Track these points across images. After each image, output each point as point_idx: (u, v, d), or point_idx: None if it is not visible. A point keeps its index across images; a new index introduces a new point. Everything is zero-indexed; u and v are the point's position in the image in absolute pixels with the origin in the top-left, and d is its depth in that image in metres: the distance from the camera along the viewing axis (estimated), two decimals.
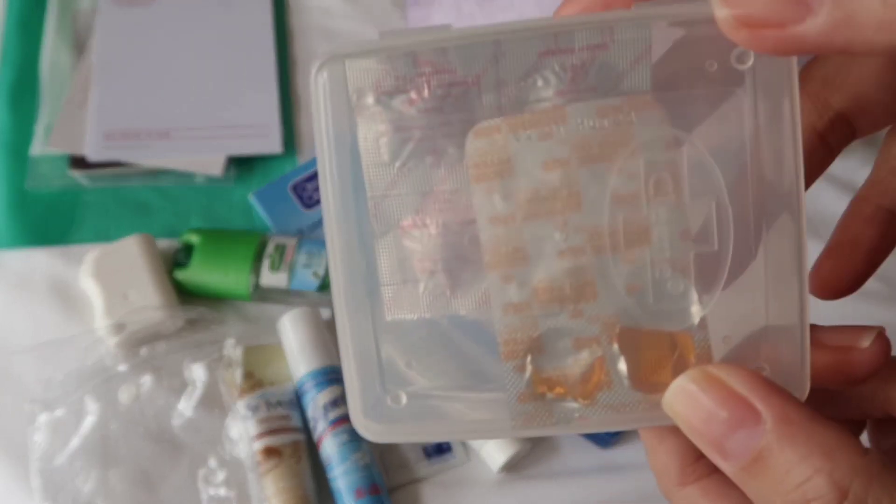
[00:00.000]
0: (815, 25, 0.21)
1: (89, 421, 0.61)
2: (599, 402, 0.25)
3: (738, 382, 0.23)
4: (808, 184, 0.31)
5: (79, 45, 0.79)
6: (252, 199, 0.73)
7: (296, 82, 0.82)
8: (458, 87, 0.24)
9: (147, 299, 0.65)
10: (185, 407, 0.63)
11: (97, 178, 0.73)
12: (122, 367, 0.64)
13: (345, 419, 0.61)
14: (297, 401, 0.64)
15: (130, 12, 0.80)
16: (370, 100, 0.24)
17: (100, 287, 0.65)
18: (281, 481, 0.60)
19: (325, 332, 0.65)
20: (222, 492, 0.60)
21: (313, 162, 0.75)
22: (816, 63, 0.30)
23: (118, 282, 0.65)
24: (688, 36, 0.24)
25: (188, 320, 0.67)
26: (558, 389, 0.25)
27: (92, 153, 0.73)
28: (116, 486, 0.60)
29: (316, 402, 0.62)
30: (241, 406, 0.62)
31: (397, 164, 0.25)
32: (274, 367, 0.65)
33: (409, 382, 0.27)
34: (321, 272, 0.67)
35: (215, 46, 0.80)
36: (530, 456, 0.64)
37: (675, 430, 0.25)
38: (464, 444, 0.65)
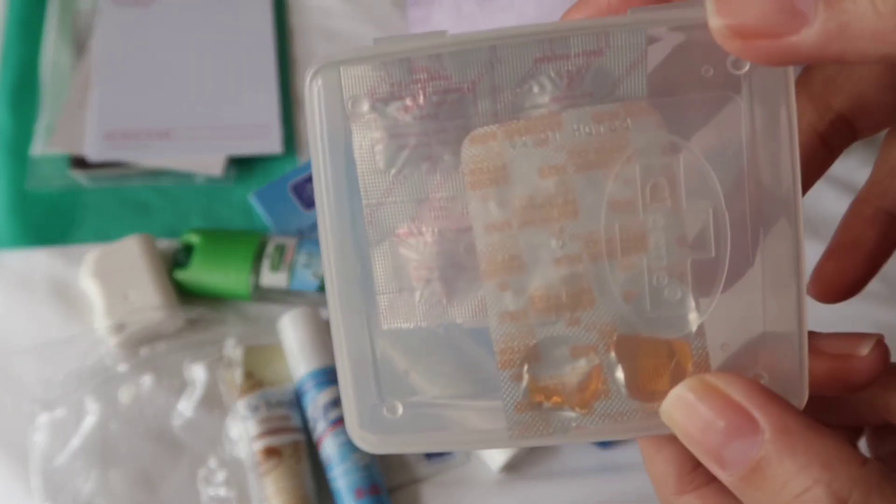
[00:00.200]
0: (809, 36, 0.21)
1: (89, 421, 0.62)
2: (597, 411, 0.25)
3: (735, 391, 0.23)
4: (808, 185, 0.31)
5: (79, 46, 0.79)
6: (252, 199, 0.73)
7: (296, 82, 0.82)
8: (453, 93, 0.24)
9: (147, 299, 0.65)
10: (186, 407, 0.63)
11: (97, 178, 0.73)
12: (122, 367, 0.64)
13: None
14: (297, 401, 0.64)
15: (130, 12, 0.80)
16: (365, 107, 0.24)
17: (100, 287, 0.65)
18: (281, 481, 0.60)
19: (325, 333, 0.65)
20: (222, 492, 0.60)
21: None
22: (817, 65, 0.30)
23: (118, 282, 0.65)
24: (684, 41, 0.24)
25: (188, 320, 0.67)
26: (555, 398, 0.24)
27: (92, 153, 0.73)
28: (116, 486, 0.60)
29: (316, 403, 0.62)
30: (241, 406, 0.62)
31: (393, 171, 0.25)
32: (274, 368, 0.65)
33: (406, 390, 0.26)
34: (321, 272, 0.67)
35: (215, 46, 0.80)
36: (530, 456, 0.64)
37: (673, 439, 0.25)
38: None
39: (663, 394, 0.24)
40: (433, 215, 0.25)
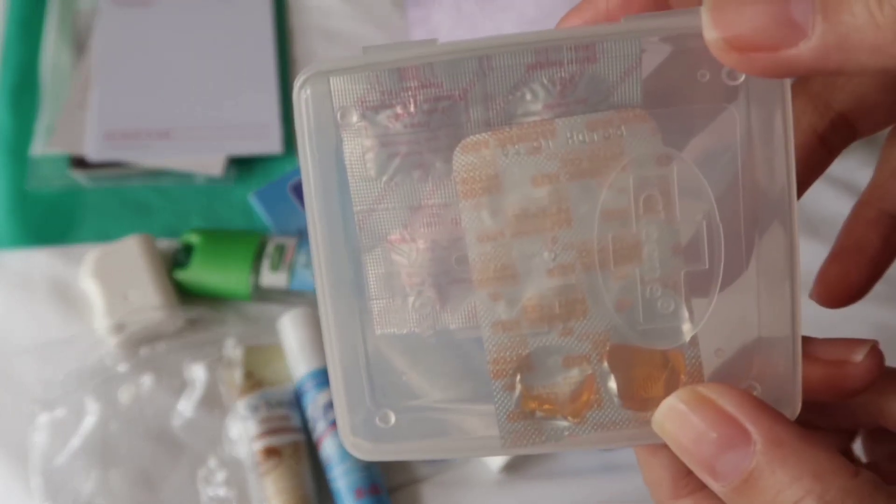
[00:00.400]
0: (807, 49, 0.20)
1: (89, 421, 0.62)
2: (589, 420, 0.25)
3: (728, 403, 0.23)
4: (807, 185, 0.31)
5: (79, 46, 0.79)
6: (252, 199, 0.73)
7: None
8: (444, 101, 0.24)
9: (147, 299, 0.65)
10: (185, 407, 0.63)
11: (97, 178, 0.73)
12: (122, 368, 0.64)
13: None
14: (296, 401, 0.64)
15: (130, 12, 0.80)
16: (355, 116, 0.24)
17: (100, 287, 0.65)
18: (281, 481, 0.60)
19: None
20: (222, 492, 0.60)
21: None
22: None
23: (118, 282, 0.66)
24: (679, 49, 0.24)
25: (188, 320, 0.67)
26: (548, 407, 0.24)
27: (92, 153, 0.73)
28: (116, 486, 0.60)
29: (316, 403, 0.62)
30: (241, 406, 0.62)
31: (384, 178, 0.25)
32: (274, 368, 0.65)
33: (400, 394, 0.26)
34: None
35: (215, 46, 0.80)
36: (530, 456, 0.64)
37: (667, 445, 0.25)
38: None
39: (656, 403, 0.24)
40: (425, 222, 0.25)
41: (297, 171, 0.74)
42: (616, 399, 0.24)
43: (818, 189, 0.32)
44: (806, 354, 0.26)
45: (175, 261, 0.69)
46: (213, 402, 0.64)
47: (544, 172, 0.24)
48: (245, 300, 0.69)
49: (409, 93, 0.24)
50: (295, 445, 0.61)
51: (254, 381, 0.64)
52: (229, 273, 0.67)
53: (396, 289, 0.26)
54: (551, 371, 0.24)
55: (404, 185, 0.25)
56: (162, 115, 0.76)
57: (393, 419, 0.26)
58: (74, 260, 0.68)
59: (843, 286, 0.33)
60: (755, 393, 0.25)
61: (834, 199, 0.74)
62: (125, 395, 0.63)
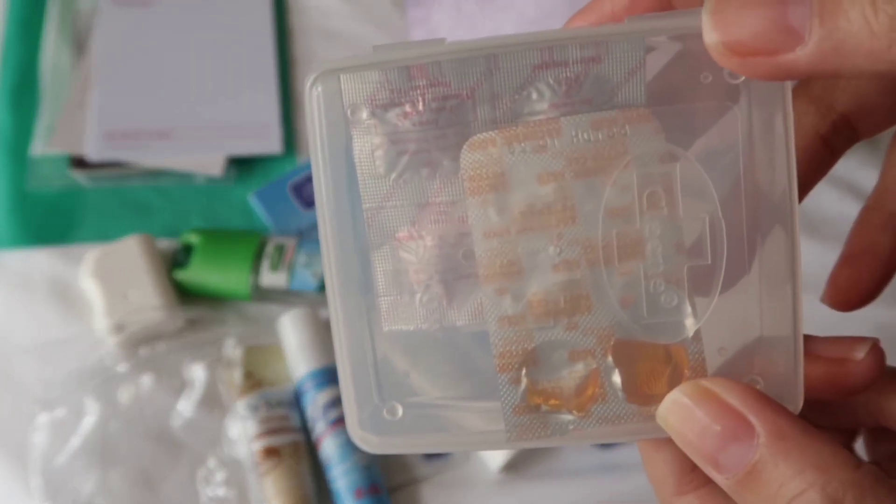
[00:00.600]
0: (805, 54, 0.21)
1: (89, 421, 0.62)
2: (594, 414, 0.25)
3: (731, 396, 0.23)
4: (809, 186, 0.31)
5: (79, 46, 0.79)
6: (252, 199, 0.73)
7: (296, 82, 0.82)
8: (452, 99, 0.24)
9: (147, 299, 0.65)
10: (185, 407, 0.63)
11: (97, 178, 0.73)
12: (121, 368, 0.64)
13: (344, 420, 0.61)
14: (296, 401, 0.64)
15: (130, 12, 0.80)
16: (364, 113, 0.25)
17: (100, 287, 0.65)
18: (280, 482, 0.60)
19: (325, 333, 0.65)
20: (222, 492, 0.60)
21: None
22: None
23: (118, 282, 0.65)
24: (682, 49, 0.24)
25: (188, 320, 0.67)
26: (553, 401, 0.25)
27: (92, 153, 0.73)
28: (116, 486, 0.60)
29: (315, 403, 0.62)
30: (240, 406, 0.62)
31: (392, 176, 0.25)
32: (273, 368, 0.65)
33: (407, 391, 0.26)
34: (321, 272, 0.67)
35: (215, 46, 0.80)
36: (530, 456, 0.65)
37: (671, 440, 0.25)
38: None
39: (660, 398, 0.24)
40: (433, 219, 0.25)
41: (297, 171, 0.74)
42: (620, 394, 0.25)
43: (819, 189, 0.33)
44: (807, 352, 0.26)
45: (175, 261, 0.69)
46: (212, 402, 0.64)
47: (550, 170, 0.24)
48: (245, 300, 0.69)
49: (418, 91, 0.24)
50: (294, 445, 0.61)
51: (253, 381, 0.64)
52: (229, 273, 0.67)
53: (404, 285, 0.26)
54: (556, 365, 0.25)
55: (412, 182, 0.25)
56: (162, 115, 0.76)
57: (401, 411, 0.26)
58: (74, 260, 0.68)
59: (854, 290, 0.34)
60: (758, 387, 0.25)
61: (835, 199, 0.75)
62: (125, 395, 0.63)
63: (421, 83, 0.24)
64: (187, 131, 0.75)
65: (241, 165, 0.76)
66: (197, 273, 0.67)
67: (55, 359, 0.64)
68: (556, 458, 0.65)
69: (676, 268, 0.24)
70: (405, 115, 0.24)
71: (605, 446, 0.65)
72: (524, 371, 0.25)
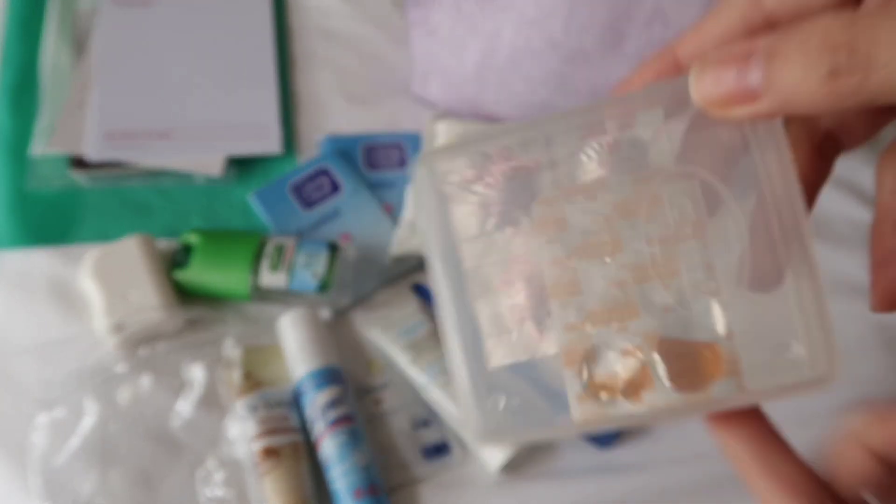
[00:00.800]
0: (763, 105, 0.26)
1: (89, 421, 0.62)
2: (645, 400, 0.29)
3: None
4: (813, 194, 0.35)
5: (79, 46, 0.79)
6: (252, 200, 0.73)
7: (295, 82, 0.82)
8: (522, 170, 0.31)
9: (147, 299, 0.65)
10: (184, 407, 0.63)
11: (97, 178, 0.73)
12: (121, 368, 0.64)
13: (343, 420, 0.61)
14: (295, 401, 0.64)
15: (130, 12, 0.80)
16: (457, 187, 0.32)
17: (100, 287, 0.65)
18: (280, 482, 0.60)
19: (324, 333, 0.66)
20: (221, 492, 0.60)
21: (313, 162, 0.75)
22: None
23: (118, 282, 0.66)
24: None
25: (188, 320, 0.67)
26: (610, 391, 0.29)
27: (92, 153, 0.73)
28: (116, 486, 0.60)
29: (314, 403, 0.62)
30: (239, 406, 0.62)
31: (483, 236, 0.32)
32: (273, 368, 0.65)
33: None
34: (320, 272, 0.67)
35: (215, 46, 0.80)
36: (530, 456, 0.65)
37: (741, 416, 0.28)
38: (462, 445, 0.65)
39: (701, 385, 0.28)
40: (519, 269, 0.31)
41: (297, 172, 0.74)
42: (667, 383, 0.29)
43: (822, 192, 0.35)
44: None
45: (175, 261, 0.69)
46: (212, 403, 0.64)
47: (600, 214, 0.30)
48: (244, 300, 0.69)
49: (497, 167, 0.31)
50: (294, 446, 0.61)
51: (253, 381, 0.64)
52: (229, 273, 0.67)
53: (502, 326, 0.31)
54: (611, 361, 0.29)
55: (500, 240, 0.31)
56: (162, 115, 0.76)
57: (502, 404, 0.31)
58: (74, 260, 0.68)
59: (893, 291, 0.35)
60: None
61: (837, 199, 0.75)
62: (124, 395, 0.63)
63: (498, 161, 0.31)
64: (187, 131, 0.75)
65: (241, 165, 0.76)
66: (197, 273, 0.67)
67: (55, 359, 0.64)
68: (556, 458, 0.65)
69: (709, 281, 0.29)
70: (487, 185, 0.31)
71: (606, 445, 0.65)
72: (585, 366, 0.30)
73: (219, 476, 0.61)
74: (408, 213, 0.74)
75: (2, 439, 0.62)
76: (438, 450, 0.64)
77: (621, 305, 0.29)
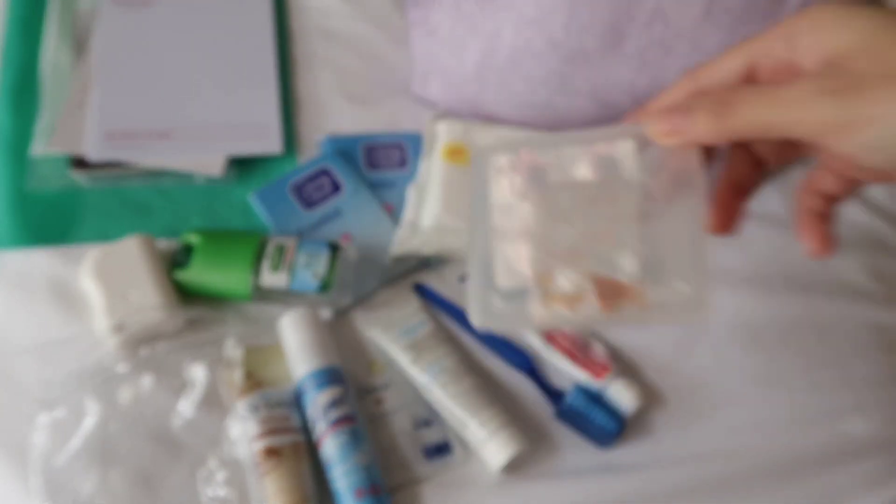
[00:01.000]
0: (689, 138, 0.40)
1: (89, 421, 0.62)
2: (579, 311, 0.43)
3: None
4: (749, 185, 0.46)
5: (79, 46, 0.79)
6: (252, 200, 0.73)
7: (296, 82, 0.82)
8: (538, 166, 0.45)
9: (147, 299, 0.65)
10: (185, 407, 0.63)
11: (97, 178, 0.73)
12: (121, 368, 0.64)
13: (344, 419, 0.61)
14: (296, 401, 0.64)
15: (130, 12, 0.80)
16: (496, 171, 0.45)
17: (100, 287, 0.65)
18: (281, 482, 0.60)
19: (325, 333, 0.66)
20: (222, 492, 0.60)
21: (313, 162, 0.75)
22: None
23: (118, 282, 0.66)
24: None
25: (188, 320, 0.67)
26: (559, 303, 0.43)
27: (92, 153, 0.73)
28: (116, 486, 0.60)
29: (315, 403, 0.62)
30: (240, 406, 0.62)
31: (507, 205, 0.45)
32: (274, 368, 0.65)
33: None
34: (321, 272, 0.67)
35: (215, 47, 0.80)
36: (530, 456, 0.65)
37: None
38: (463, 445, 0.65)
39: (616, 305, 0.42)
40: (524, 227, 0.44)
41: (297, 172, 0.74)
42: (595, 301, 0.42)
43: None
44: None
45: (175, 261, 0.69)
46: (213, 403, 0.64)
47: (578, 199, 0.44)
48: (245, 300, 0.69)
49: (523, 162, 0.45)
50: (295, 446, 0.61)
51: (254, 381, 0.64)
52: (229, 273, 0.67)
53: (507, 260, 0.44)
54: (562, 285, 0.43)
55: (517, 208, 0.45)
56: (162, 115, 0.76)
57: (498, 300, 0.44)
58: (74, 260, 0.68)
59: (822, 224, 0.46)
60: None
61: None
62: (125, 395, 0.63)
63: (525, 158, 0.45)
64: (187, 131, 0.75)
65: (241, 165, 0.76)
66: (197, 273, 0.67)
67: (55, 359, 0.64)
68: (556, 458, 0.65)
69: (629, 242, 0.43)
70: (517, 172, 0.45)
71: (606, 446, 0.65)
72: (545, 286, 0.43)
73: (220, 476, 0.61)
74: (408, 213, 0.74)
75: (2, 439, 0.62)
76: (440, 450, 0.64)
77: (575, 253, 0.43)
